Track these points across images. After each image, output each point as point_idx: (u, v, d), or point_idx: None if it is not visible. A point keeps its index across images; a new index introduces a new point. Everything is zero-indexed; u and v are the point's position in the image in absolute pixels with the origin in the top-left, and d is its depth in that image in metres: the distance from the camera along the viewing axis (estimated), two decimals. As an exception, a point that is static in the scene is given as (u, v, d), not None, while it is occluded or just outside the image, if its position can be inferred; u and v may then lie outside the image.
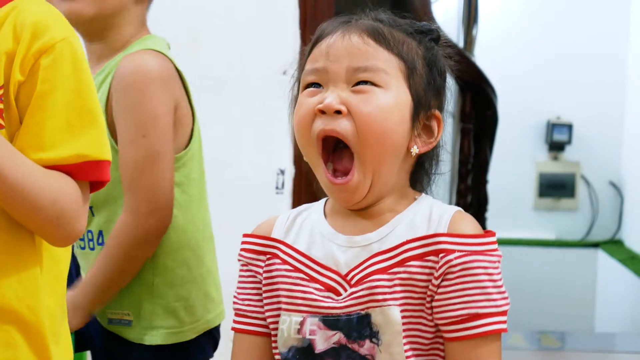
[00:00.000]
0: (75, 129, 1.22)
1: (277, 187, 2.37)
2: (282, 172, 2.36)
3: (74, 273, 1.76)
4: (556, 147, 5.67)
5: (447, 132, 1.22)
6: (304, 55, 1.21)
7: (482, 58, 4.26)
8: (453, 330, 1.12)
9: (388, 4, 2.89)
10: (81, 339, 1.73)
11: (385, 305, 1.12)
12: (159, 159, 1.64)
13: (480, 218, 3.80)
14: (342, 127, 1.13)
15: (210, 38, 2.37)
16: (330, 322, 1.15)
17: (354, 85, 1.14)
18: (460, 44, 4.13)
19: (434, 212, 1.16)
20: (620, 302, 5.18)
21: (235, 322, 1.25)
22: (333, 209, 1.22)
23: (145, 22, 1.80)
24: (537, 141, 5.70)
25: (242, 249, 1.25)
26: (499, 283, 1.12)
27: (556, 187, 5.70)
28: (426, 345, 1.15)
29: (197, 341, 1.76)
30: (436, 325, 1.14)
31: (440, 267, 1.11)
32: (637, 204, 5.42)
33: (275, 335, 1.20)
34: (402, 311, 1.13)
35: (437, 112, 1.19)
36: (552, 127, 5.62)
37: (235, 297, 1.25)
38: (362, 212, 1.19)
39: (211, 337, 1.80)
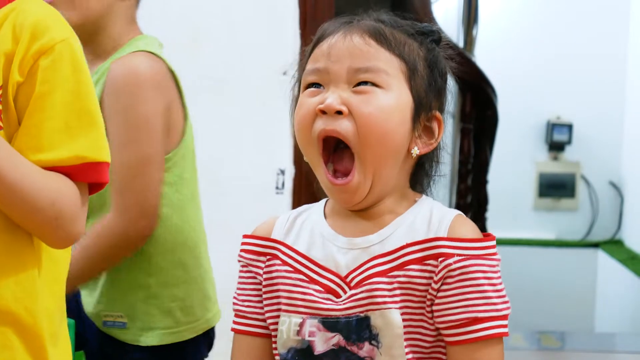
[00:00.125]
0: (74, 130, 1.21)
1: (277, 187, 2.37)
2: (282, 172, 2.36)
3: None
4: (556, 147, 5.67)
5: (447, 132, 1.22)
6: (305, 56, 1.21)
7: (482, 58, 4.25)
8: (453, 334, 1.12)
9: (388, 3, 2.89)
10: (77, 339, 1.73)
11: (385, 308, 1.12)
12: (149, 163, 1.64)
13: (480, 218, 3.80)
14: (343, 127, 1.13)
15: (210, 38, 2.37)
16: (330, 323, 1.15)
17: (355, 86, 1.14)
18: (461, 44, 4.13)
19: (434, 215, 1.16)
20: (620, 302, 5.18)
21: (235, 322, 1.25)
22: (333, 210, 1.22)
23: (135, 20, 1.79)
24: (537, 141, 5.69)
25: (242, 250, 1.25)
26: (499, 287, 1.12)
27: (556, 187, 5.70)
28: (427, 349, 1.15)
29: (194, 341, 1.76)
30: (437, 329, 1.13)
31: (439, 271, 1.11)
32: (637, 204, 5.41)
33: (275, 336, 1.20)
34: (402, 314, 1.12)
35: (437, 114, 1.19)
36: (552, 127, 5.61)
37: (235, 297, 1.25)
38: (362, 213, 1.19)
39: (207, 337, 1.80)
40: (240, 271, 1.25)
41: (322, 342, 1.15)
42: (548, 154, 5.72)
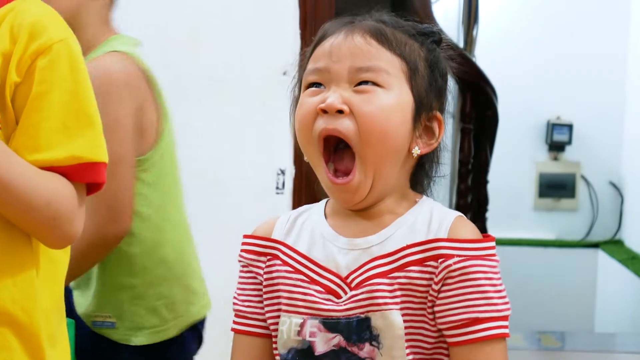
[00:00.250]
0: (71, 130, 1.21)
1: (277, 187, 2.37)
2: (283, 172, 2.36)
3: None
4: (556, 147, 5.67)
5: (447, 132, 1.22)
6: (306, 56, 1.21)
7: (482, 58, 4.25)
8: (454, 334, 1.12)
9: (388, 4, 2.88)
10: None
11: (386, 309, 1.12)
12: (119, 162, 1.64)
13: (481, 218, 3.80)
14: (344, 126, 1.13)
15: (210, 38, 2.37)
16: (330, 324, 1.15)
17: (356, 85, 1.14)
18: (461, 45, 4.13)
19: (434, 217, 1.16)
20: (620, 302, 5.18)
21: (235, 322, 1.25)
22: (333, 210, 1.22)
23: (110, 20, 1.79)
24: (537, 141, 5.69)
25: (242, 250, 1.25)
26: (500, 287, 1.12)
27: (556, 188, 5.69)
28: (428, 350, 1.15)
29: (182, 336, 1.77)
30: (439, 330, 1.13)
31: (439, 273, 1.11)
32: (637, 204, 5.41)
33: (276, 337, 1.20)
34: (402, 315, 1.12)
35: (438, 114, 1.19)
36: (552, 127, 5.61)
37: (235, 297, 1.25)
38: (363, 213, 1.19)
39: (196, 331, 1.81)
40: (241, 271, 1.25)
41: (323, 342, 1.15)
42: (548, 154, 5.72)
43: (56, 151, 1.20)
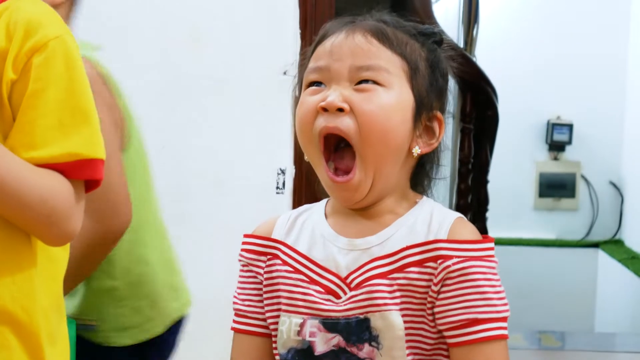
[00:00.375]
0: (68, 127, 1.21)
1: (277, 187, 2.37)
2: (283, 171, 2.36)
3: None
4: (556, 147, 5.67)
5: (447, 132, 1.22)
6: (307, 55, 1.21)
7: (482, 58, 4.25)
8: (454, 335, 1.12)
9: (388, 4, 2.88)
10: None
11: (385, 310, 1.12)
12: (110, 158, 1.64)
13: (481, 218, 3.80)
14: (345, 125, 1.13)
15: (210, 38, 2.37)
16: (330, 324, 1.15)
17: (356, 84, 1.14)
18: (461, 44, 4.13)
19: (434, 218, 1.16)
20: (621, 302, 5.18)
21: (235, 322, 1.25)
22: (334, 209, 1.22)
23: (69, 27, 1.79)
24: (537, 141, 5.69)
25: (242, 249, 1.25)
26: (499, 289, 1.12)
27: (556, 187, 5.70)
28: (428, 351, 1.15)
29: (164, 335, 1.78)
30: (439, 331, 1.13)
31: (439, 273, 1.11)
32: (637, 204, 5.41)
33: (275, 336, 1.20)
34: (402, 316, 1.12)
35: (438, 114, 1.19)
36: (552, 127, 5.61)
37: (235, 297, 1.25)
38: (363, 212, 1.19)
39: (177, 329, 1.83)
40: (241, 270, 1.25)
41: (323, 342, 1.15)
42: (548, 154, 5.72)
43: (52, 148, 1.20)
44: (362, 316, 1.13)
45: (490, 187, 3.94)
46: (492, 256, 1.13)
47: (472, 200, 3.77)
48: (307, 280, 1.17)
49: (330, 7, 2.40)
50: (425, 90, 1.17)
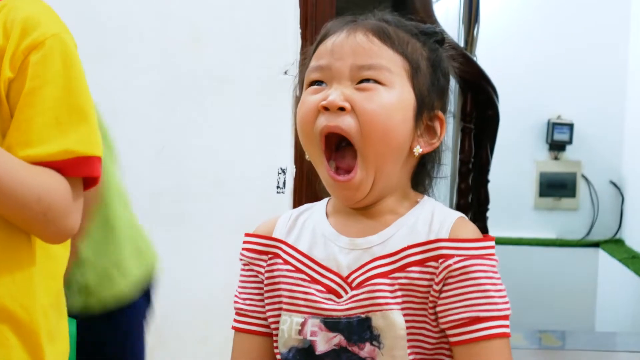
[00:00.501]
0: (64, 125, 1.21)
1: (278, 187, 2.37)
2: (283, 171, 2.36)
3: None
4: (557, 147, 5.66)
5: (448, 131, 1.22)
6: (309, 54, 1.21)
7: (482, 57, 4.25)
8: (456, 334, 1.12)
9: (389, 3, 2.89)
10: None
11: (386, 310, 1.12)
12: None
13: (481, 217, 3.80)
14: (346, 123, 1.13)
15: (210, 38, 2.37)
16: (331, 324, 1.15)
17: (357, 83, 1.14)
18: (461, 44, 4.13)
19: (435, 217, 1.16)
20: (621, 302, 5.18)
21: (235, 321, 1.25)
22: (335, 209, 1.22)
23: None
24: (537, 141, 5.69)
25: (243, 249, 1.25)
26: (500, 287, 1.12)
27: (557, 187, 5.69)
28: (430, 350, 1.15)
29: (135, 301, 1.79)
30: (440, 330, 1.13)
31: (440, 273, 1.11)
32: (637, 204, 5.41)
33: (276, 335, 1.20)
34: (403, 316, 1.12)
35: (440, 113, 1.19)
36: (552, 126, 5.61)
37: (236, 296, 1.25)
38: (364, 212, 1.19)
39: (147, 295, 1.84)
40: (242, 270, 1.25)
41: (324, 342, 1.15)
42: (549, 154, 5.72)
43: (49, 146, 1.20)
44: (363, 315, 1.13)
45: (491, 187, 3.94)
46: (493, 255, 1.13)
47: (472, 199, 3.77)
48: (308, 279, 1.17)
49: (331, 7, 2.40)
50: (427, 89, 1.17)
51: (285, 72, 2.33)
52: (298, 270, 1.18)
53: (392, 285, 1.13)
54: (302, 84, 1.21)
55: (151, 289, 1.88)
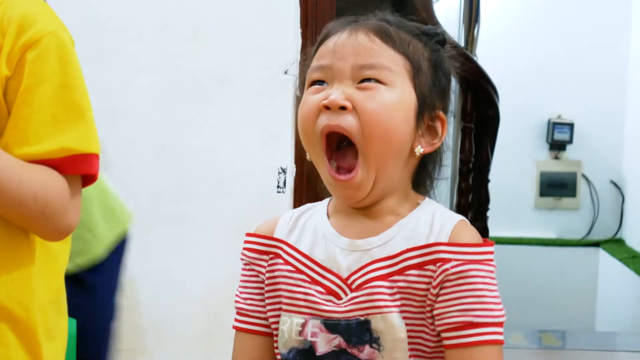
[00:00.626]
0: (61, 123, 1.20)
1: (278, 186, 2.37)
2: (284, 170, 2.36)
3: None
4: (557, 146, 5.67)
5: (448, 131, 1.22)
6: (310, 54, 1.21)
7: (482, 57, 4.25)
8: (449, 337, 1.11)
9: (389, 3, 2.88)
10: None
11: (386, 312, 1.12)
12: None
13: (481, 217, 3.79)
14: (347, 123, 1.13)
15: (211, 38, 2.37)
16: (331, 325, 1.15)
17: (359, 83, 1.14)
18: (462, 44, 4.13)
19: (436, 220, 1.15)
20: (621, 301, 5.18)
21: (236, 320, 1.24)
22: (336, 209, 1.21)
23: None
24: (538, 140, 5.69)
25: (244, 248, 1.24)
26: (496, 294, 1.11)
27: (557, 186, 5.69)
28: (428, 354, 1.14)
29: (107, 259, 1.79)
30: (438, 334, 1.13)
31: (437, 276, 1.11)
32: (638, 203, 5.41)
33: (277, 335, 1.20)
34: (402, 319, 1.12)
35: (441, 114, 1.19)
36: (553, 126, 5.61)
37: (237, 295, 1.25)
38: (365, 212, 1.18)
39: (119, 253, 1.85)
40: (243, 269, 1.25)
41: (324, 343, 1.15)
42: (549, 153, 5.72)
43: (46, 144, 1.19)
44: (362, 318, 1.13)
45: (491, 186, 3.94)
46: (491, 260, 1.13)
47: (472, 199, 3.77)
48: (309, 280, 1.17)
49: (331, 7, 2.40)
50: (428, 89, 1.17)
51: (286, 72, 2.33)
52: (298, 270, 1.18)
53: (392, 288, 1.13)
54: (304, 84, 1.20)
55: (124, 246, 1.88)
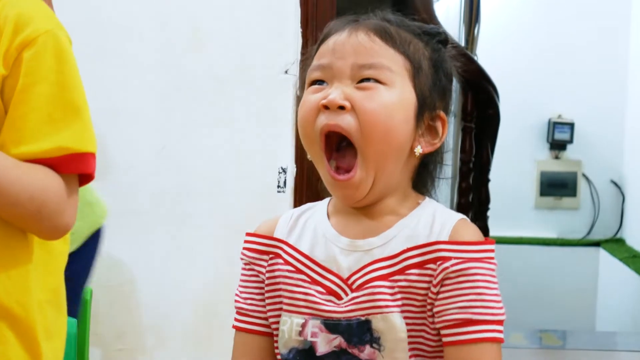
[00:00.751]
0: (58, 122, 1.20)
1: (278, 186, 2.37)
2: (284, 170, 2.36)
3: None
4: (557, 146, 5.67)
5: (449, 131, 1.21)
6: (310, 54, 1.21)
7: (482, 56, 4.25)
8: (448, 334, 1.11)
9: (389, 3, 2.88)
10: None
11: (387, 312, 1.12)
12: None
13: (482, 217, 3.79)
14: (346, 122, 1.13)
15: (211, 38, 2.37)
16: (332, 325, 1.14)
17: (358, 82, 1.14)
18: (462, 43, 4.12)
19: (436, 219, 1.15)
20: (622, 301, 5.18)
21: (237, 320, 1.24)
22: (336, 209, 1.21)
23: None
24: (538, 140, 5.69)
25: (244, 248, 1.24)
26: (496, 292, 1.11)
27: (557, 186, 5.69)
28: (429, 353, 1.14)
29: (82, 249, 1.80)
30: (439, 332, 1.13)
31: (437, 275, 1.11)
32: (638, 203, 5.41)
33: (277, 335, 1.20)
34: (403, 318, 1.12)
35: (441, 114, 1.19)
36: (553, 125, 5.61)
37: (237, 295, 1.25)
38: (365, 212, 1.18)
39: (94, 242, 1.85)
40: (243, 269, 1.25)
41: (325, 343, 1.15)
42: (549, 153, 5.72)
43: (42, 143, 1.19)
44: (363, 318, 1.13)
45: (491, 186, 3.94)
46: (492, 258, 1.12)
47: (473, 199, 3.77)
48: (309, 280, 1.17)
49: (332, 7, 2.40)
50: (428, 89, 1.17)
51: (286, 72, 2.33)
52: (298, 271, 1.18)
53: (392, 287, 1.12)
54: (304, 83, 1.20)
55: (98, 237, 1.89)
